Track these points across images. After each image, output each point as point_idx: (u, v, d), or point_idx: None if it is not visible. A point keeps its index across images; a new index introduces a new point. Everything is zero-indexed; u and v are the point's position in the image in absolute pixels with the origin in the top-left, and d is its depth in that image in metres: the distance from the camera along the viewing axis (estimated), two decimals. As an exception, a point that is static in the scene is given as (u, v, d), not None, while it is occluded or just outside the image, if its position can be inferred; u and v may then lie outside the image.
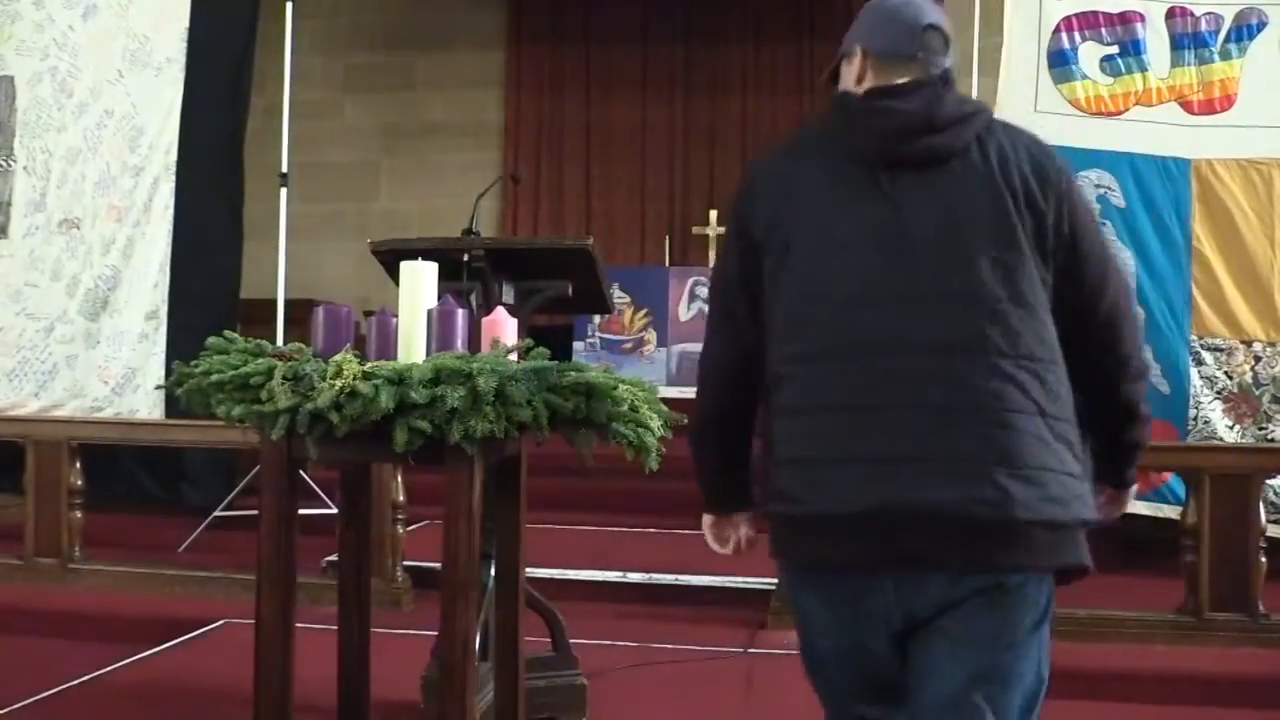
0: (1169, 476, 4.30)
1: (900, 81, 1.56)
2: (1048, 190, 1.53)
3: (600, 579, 4.04)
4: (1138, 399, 1.61)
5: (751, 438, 1.67)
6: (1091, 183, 4.53)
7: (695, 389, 1.71)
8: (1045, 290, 1.50)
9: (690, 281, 6.84)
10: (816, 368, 1.51)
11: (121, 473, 5.06)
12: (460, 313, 2.02)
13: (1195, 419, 4.41)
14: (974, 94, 4.88)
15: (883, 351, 1.47)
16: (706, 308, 1.77)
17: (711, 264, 6.25)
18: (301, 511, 2.21)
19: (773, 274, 1.56)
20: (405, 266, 2.06)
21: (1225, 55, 4.58)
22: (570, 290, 2.69)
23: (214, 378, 1.93)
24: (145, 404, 4.97)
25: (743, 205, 1.63)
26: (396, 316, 2.03)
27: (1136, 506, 4.39)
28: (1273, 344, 4.42)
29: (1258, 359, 4.43)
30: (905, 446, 1.44)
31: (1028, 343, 1.46)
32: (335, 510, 3.03)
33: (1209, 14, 4.59)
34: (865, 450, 1.45)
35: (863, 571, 1.47)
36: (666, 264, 7.69)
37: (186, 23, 5.14)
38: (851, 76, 1.62)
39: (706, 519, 1.75)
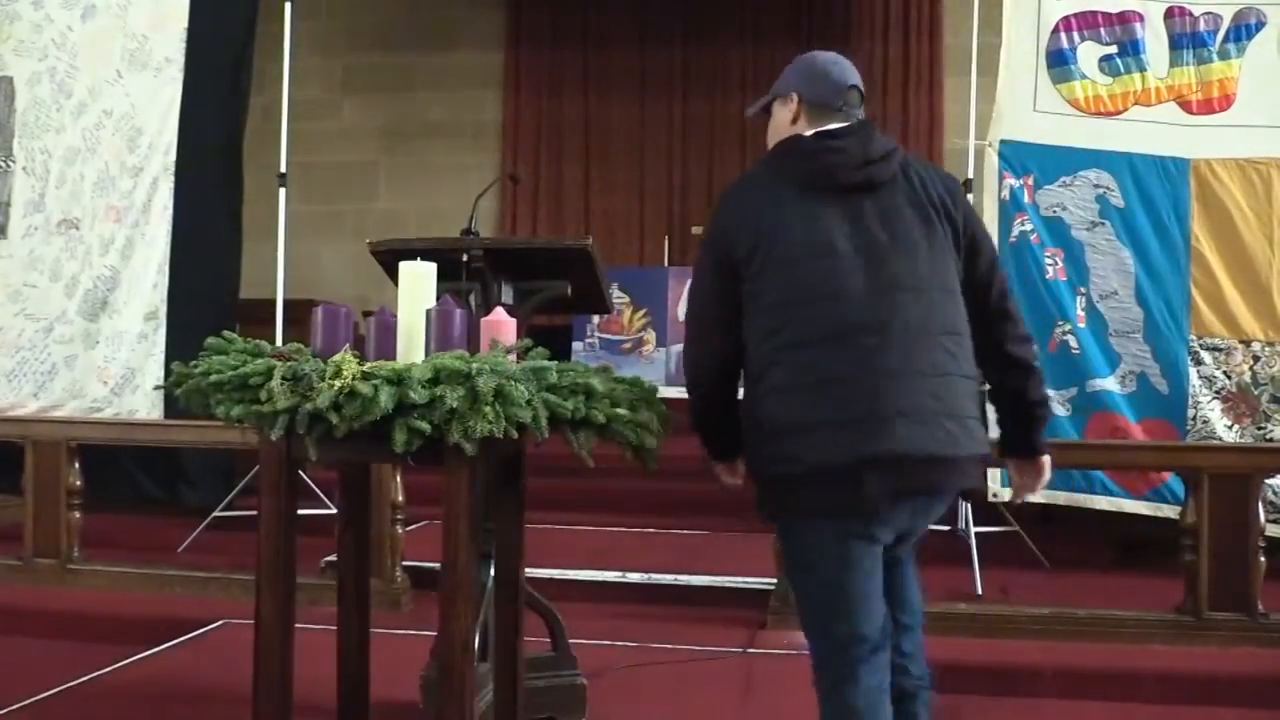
0: (1168, 476, 4.30)
1: (836, 126, 2.04)
2: (957, 204, 2.02)
3: (600, 579, 4.04)
4: (1029, 356, 2.07)
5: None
6: (1090, 182, 4.54)
7: (691, 384, 2.09)
8: (958, 277, 1.99)
9: (689, 282, 6.83)
10: (805, 352, 1.90)
11: (120, 473, 5.06)
12: (459, 313, 2.02)
13: (1194, 419, 4.42)
14: (973, 93, 4.89)
15: (856, 334, 1.88)
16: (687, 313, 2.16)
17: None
18: (301, 512, 2.21)
19: (754, 282, 1.95)
20: (404, 266, 2.06)
21: (1224, 55, 4.58)
22: (569, 290, 2.69)
23: (213, 378, 1.93)
24: (144, 404, 4.97)
25: (721, 232, 2.03)
26: (395, 316, 2.02)
27: (1136, 506, 4.42)
28: (1271, 344, 4.43)
29: (1256, 359, 4.43)
30: (881, 407, 1.86)
31: (954, 321, 1.95)
32: (334, 510, 3.03)
33: (1208, 14, 4.59)
34: (850, 413, 1.86)
35: (860, 508, 1.87)
36: (666, 264, 7.70)
37: (185, 23, 5.13)
38: (788, 116, 2.09)
39: (718, 466, 2.16)
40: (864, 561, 1.91)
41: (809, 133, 2.04)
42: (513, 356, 1.95)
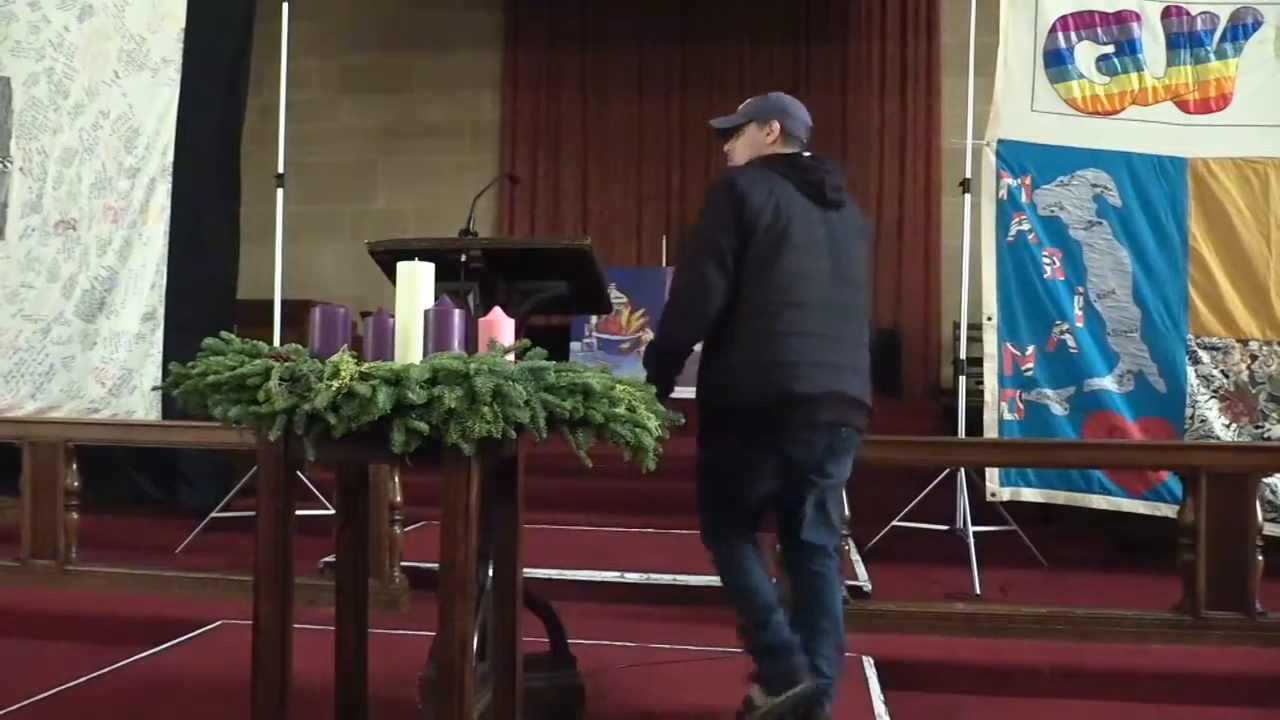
0: (1166, 475, 4.31)
1: (808, 154, 2.73)
2: (867, 234, 2.80)
3: (598, 579, 4.03)
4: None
5: None
6: (1088, 182, 4.55)
7: (675, 316, 2.63)
8: None
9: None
10: (795, 310, 2.54)
11: (118, 474, 5.06)
12: (457, 313, 2.01)
13: (1192, 418, 4.42)
14: (970, 93, 4.89)
15: (826, 306, 2.59)
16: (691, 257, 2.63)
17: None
18: (299, 512, 2.21)
19: (762, 249, 2.54)
20: (402, 267, 2.06)
21: (1221, 55, 4.59)
22: (568, 290, 2.69)
23: (211, 379, 1.92)
24: (142, 405, 4.97)
25: (742, 196, 2.55)
26: (393, 317, 2.02)
27: (1134, 505, 4.42)
28: (1269, 343, 4.43)
29: (1254, 358, 4.44)
30: (841, 359, 2.59)
31: (864, 308, 2.71)
32: (333, 511, 3.03)
33: (1205, 13, 4.60)
34: (821, 358, 2.54)
35: (820, 427, 2.55)
36: (664, 264, 7.70)
37: (183, 24, 5.13)
38: (766, 139, 2.75)
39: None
40: (775, 467, 2.57)
41: (785, 150, 2.72)
42: (511, 356, 1.95)
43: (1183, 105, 4.59)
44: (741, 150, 2.78)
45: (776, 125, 2.73)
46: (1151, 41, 4.62)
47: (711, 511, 2.72)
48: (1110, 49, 4.64)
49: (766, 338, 2.51)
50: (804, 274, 2.55)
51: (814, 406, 2.51)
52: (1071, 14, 4.65)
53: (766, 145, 2.73)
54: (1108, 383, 4.47)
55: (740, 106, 2.86)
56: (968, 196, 4.84)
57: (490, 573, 2.37)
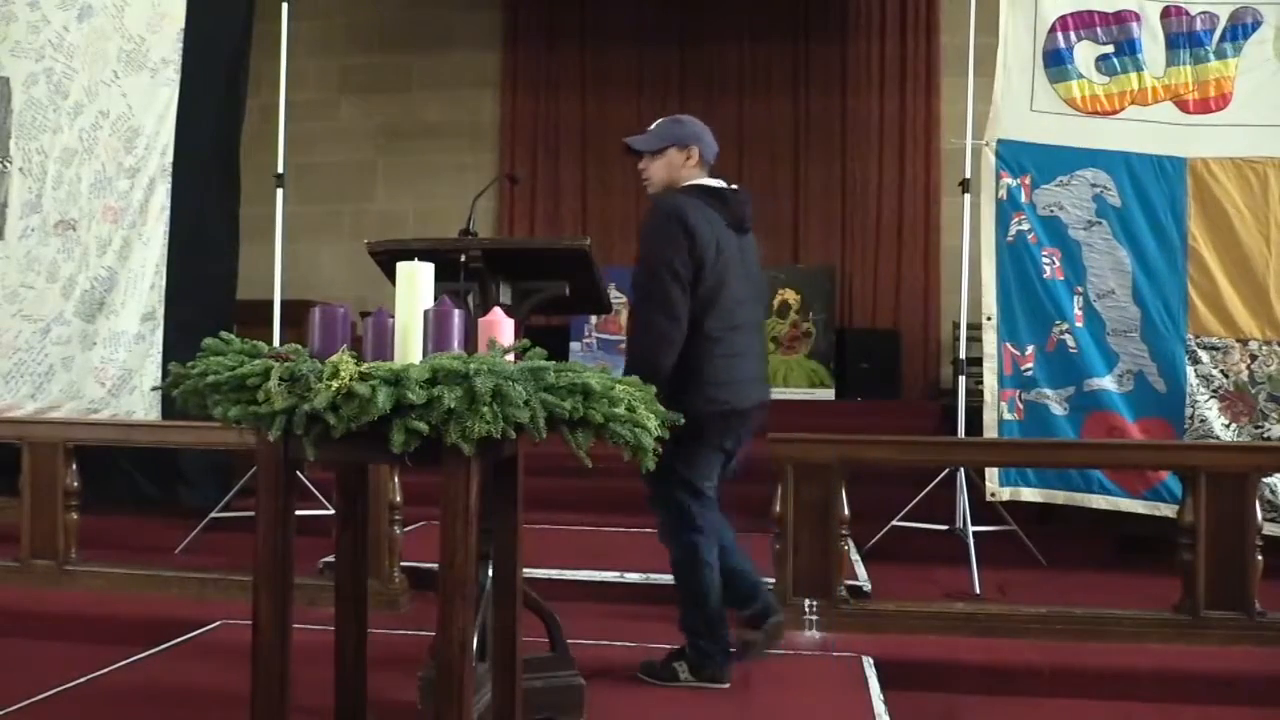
0: (1165, 475, 4.31)
1: (731, 186, 3.01)
2: (759, 249, 3.16)
3: (598, 579, 4.03)
4: None
5: None
6: (1088, 182, 4.55)
7: (656, 346, 2.81)
8: None
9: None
10: (733, 334, 2.91)
11: (118, 474, 5.06)
12: (457, 313, 2.01)
13: (1192, 417, 4.42)
14: (970, 93, 4.89)
15: (751, 327, 3.00)
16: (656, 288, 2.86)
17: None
18: (298, 513, 2.21)
19: (708, 283, 2.85)
20: (402, 267, 2.06)
21: (1220, 54, 4.59)
22: (568, 290, 2.69)
23: (210, 379, 1.92)
24: (142, 405, 4.97)
25: (692, 231, 2.82)
26: (393, 317, 2.02)
27: (1134, 505, 4.43)
28: (1268, 342, 4.44)
29: (1254, 357, 4.44)
30: (760, 371, 3.04)
31: (764, 320, 3.11)
32: (332, 511, 3.03)
33: (1204, 13, 4.60)
34: (751, 374, 2.98)
35: (750, 432, 3.05)
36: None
37: (182, 24, 5.14)
38: (685, 163, 2.99)
39: None
40: (720, 460, 3.00)
41: (710, 183, 2.98)
42: (510, 356, 1.95)
43: (1182, 105, 4.60)
44: (659, 171, 2.99)
45: (695, 151, 2.97)
46: (1151, 41, 4.62)
47: (676, 508, 2.98)
48: (1110, 49, 4.64)
49: (715, 360, 2.86)
50: (739, 300, 2.91)
51: (748, 416, 2.97)
52: (1071, 14, 4.65)
53: (683, 168, 2.97)
54: (1107, 383, 4.47)
55: (653, 126, 3.04)
56: (967, 196, 4.84)
57: (490, 573, 2.37)
